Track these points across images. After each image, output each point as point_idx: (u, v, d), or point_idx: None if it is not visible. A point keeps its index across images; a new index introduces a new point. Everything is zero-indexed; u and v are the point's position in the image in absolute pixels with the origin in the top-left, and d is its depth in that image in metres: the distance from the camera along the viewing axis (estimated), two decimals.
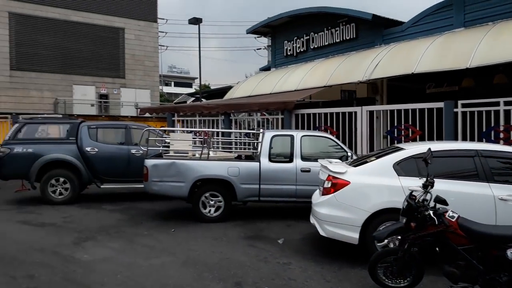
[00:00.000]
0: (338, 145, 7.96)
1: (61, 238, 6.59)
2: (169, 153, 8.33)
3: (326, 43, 14.69)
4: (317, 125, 11.06)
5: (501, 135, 7.95)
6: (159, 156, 8.26)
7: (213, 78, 73.66)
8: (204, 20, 20.65)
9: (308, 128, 11.12)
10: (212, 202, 7.66)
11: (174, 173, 7.53)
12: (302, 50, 15.76)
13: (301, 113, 11.34)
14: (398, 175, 5.37)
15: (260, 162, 7.64)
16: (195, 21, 19.63)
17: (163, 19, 34.89)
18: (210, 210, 7.67)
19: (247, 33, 17.43)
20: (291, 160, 7.72)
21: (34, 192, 10.04)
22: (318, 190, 6.28)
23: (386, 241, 5.17)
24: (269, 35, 17.80)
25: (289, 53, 16.41)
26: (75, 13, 24.48)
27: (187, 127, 14.11)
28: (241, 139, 11.49)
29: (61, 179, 9.43)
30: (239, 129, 13.13)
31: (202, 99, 35.82)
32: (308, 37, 15.46)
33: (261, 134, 7.87)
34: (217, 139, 10.22)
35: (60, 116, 16.20)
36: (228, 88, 30.26)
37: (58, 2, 23.96)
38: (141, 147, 8.27)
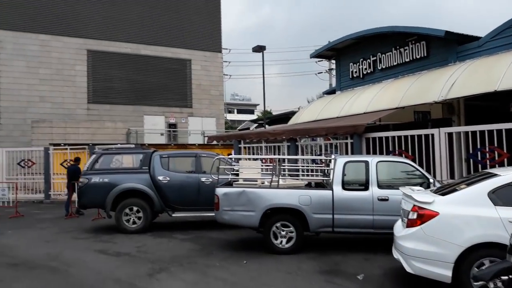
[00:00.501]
0: (418, 171, 7.39)
1: (136, 269, 6.63)
2: (238, 181, 8.23)
3: (395, 63, 14.12)
4: (390, 149, 10.49)
5: None
6: (228, 184, 8.19)
7: (274, 104, 74.59)
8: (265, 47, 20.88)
9: (380, 153, 10.57)
10: (283, 233, 7.38)
11: (244, 201, 7.38)
12: (369, 71, 15.29)
13: (372, 137, 10.82)
14: (495, 205, 4.81)
15: (333, 190, 7.28)
16: (259, 49, 19.91)
17: (226, 49, 35.96)
18: (281, 241, 7.39)
19: (310, 57, 17.32)
20: (366, 188, 7.27)
21: (109, 221, 10.39)
22: (400, 221, 5.81)
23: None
24: (333, 58, 17.54)
25: (355, 75, 15.99)
26: (146, 47, 25.92)
27: (253, 154, 14.08)
28: (310, 166, 11.19)
29: (135, 208, 9.67)
30: (304, 154, 12.84)
31: (266, 125, 36.14)
32: (375, 58, 14.99)
33: (333, 160, 7.53)
34: (286, 166, 9.98)
35: (133, 145, 16.94)
36: (291, 113, 30.27)
37: (130, 37, 25.53)
38: (212, 175, 8.26)
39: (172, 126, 26.49)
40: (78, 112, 24.33)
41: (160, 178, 9.78)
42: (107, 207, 9.67)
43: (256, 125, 39.80)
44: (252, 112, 77.27)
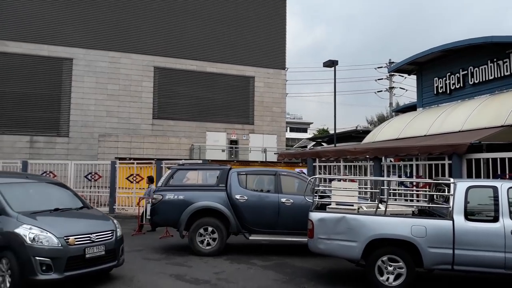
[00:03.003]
0: None
1: None
2: (331, 205, 7.22)
3: (491, 77, 12.61)
4: (498, 172, 9.05)
5: None
6: (319, 208, 7.21)
7: (331, 122, 72.64)
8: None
9: (487, 177, 9.20)
10: (390, 268, 6.24)
11: (344, 229, 6.35)
12: (457, 86, 13.83)
13: (475, 158, 9.44)
14: None
15: (453, 221, 6.08)
16: (331, 63, 18.96)
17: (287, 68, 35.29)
18: (388, 278, 6.25)
19: (389, 72, 16.25)
20: (495, 219, 6.01)
21: (178, 240, 9.73)
22: None
23: None
24: (413, 72, 16.21)
25: (440, 91, 14.57)
26: (211, 64, 25.80)
27: (329, 173, 12.98)
28: (429, 191, 9.93)
29: (210, 229, 8.90)
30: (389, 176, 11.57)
31: (323, 143, 34.81)
32: (465, 71, 13.54)
33: (452, 185, 6.34)
34: (393, 189, 8.79)
35: (201, 161, 16.45)
36: (353, 132, 28.81)
37: (196, 55, 25.56)
38: (306, 197, 7.32)
39: (233, 142, 26.02)
40: (143, 127, 24.47)
41: (237, 196, 8.97)
42: (180, 226, 8.96)
43: (314, 143, 38.74)
44: (305, 130, 76.17)
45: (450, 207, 6.16)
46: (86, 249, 6.12)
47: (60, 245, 5.88)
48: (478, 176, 9.37)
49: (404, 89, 38.41)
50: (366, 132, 26.93)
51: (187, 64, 25.39)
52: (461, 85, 13.72)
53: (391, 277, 6.23)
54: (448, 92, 14.25)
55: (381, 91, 40.02)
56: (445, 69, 14.41)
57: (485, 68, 12.83)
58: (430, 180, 7.81)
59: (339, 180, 9.42)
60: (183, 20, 25.65)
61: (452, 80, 14.04)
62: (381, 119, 40.40)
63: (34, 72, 22.85)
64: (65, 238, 5.95)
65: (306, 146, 37.70)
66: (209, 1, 26.44)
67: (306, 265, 8.10)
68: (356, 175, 12.17)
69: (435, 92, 14.84)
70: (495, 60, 12.47)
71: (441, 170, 10.02)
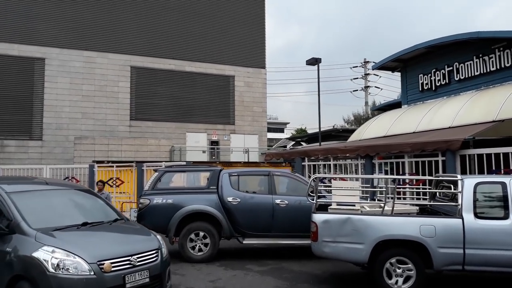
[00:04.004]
0: None
1: None
2: (331, 205, 6.91)
3: (477, 73, 12.64)
4: (492, 168, 8.96)
5: None
6: (320, 209, 6.88)
7: (306, 122, 73.01)
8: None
9: (480, 172, 9.10)
10: (399, 270, 5.97)
11: (349, 231, 6.04)
12: (443, 83, 13.82)
13: (469, 154, 9.35)
14: None
15: (463, 219, 5.85)
16: (315, 61, 18.72)
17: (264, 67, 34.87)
18: (397, 281, 5.97)
19: (373, 69, 16.20)
20: (506, 216, 5.82)
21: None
22: None
23: None
24: (397, 69, 16.17)
25: (425, 88, 14.55)
26: (190, 63, 25.19)
27: (315, 172, 12.72)
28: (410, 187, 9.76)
29: (201, 234, 8.46)
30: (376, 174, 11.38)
31: (302, 143, 34.71)
32: (450, 68, 13.55)
33: (459, 182, 6.12)
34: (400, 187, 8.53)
35: (184, 163, 15.90)
36: (333, 131, 28.83)
37: (174, 54, 24.91)
38: (309, 199, 6.97)
39: (214, 143, 25.50)
40: (120, 129, 23.68)
41: (230, 199, 8.56)
42: (170, 232, 8.48)
43: (293, 143, 38.72)
44: (281, 130, 76.28)
45: (459, 205, 5.92)
46: (126, 276, 4.76)
47: (92, 272, 4.56)
48: (471, 172, 9.30)
49: (379, 88, 38.86)
50: (346, 130, 26.94)
51: (165, 64, 24.72)
52: (447, 81, 13.72)
53: (400, 280, 5.96)
54: (433, 88, 14.23)
55: (357, 90, 40.34)
56: (430, 65, 14.40)
57: (470, 64, 12.85)
58: (432, 177, 7.59)
59: (330, 180, 9.14)
60: (161, 19, 24.99)
61: (438, 76, 14.04)
62: (358, 118, 40.75)
63: (3, 73, 21.69)
64: (98, 263, 4.64)
65: (285, 146, 37.56)
66: None
67: (304, 269, 7.77)
68: (347, 174, 11.94)
69: (420, 89, 14.81)
70: (480, 55, 12.50)
71: (434, 167, 9.87)
